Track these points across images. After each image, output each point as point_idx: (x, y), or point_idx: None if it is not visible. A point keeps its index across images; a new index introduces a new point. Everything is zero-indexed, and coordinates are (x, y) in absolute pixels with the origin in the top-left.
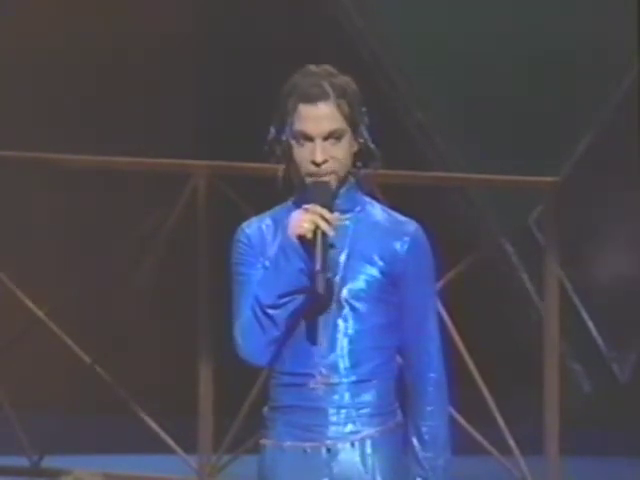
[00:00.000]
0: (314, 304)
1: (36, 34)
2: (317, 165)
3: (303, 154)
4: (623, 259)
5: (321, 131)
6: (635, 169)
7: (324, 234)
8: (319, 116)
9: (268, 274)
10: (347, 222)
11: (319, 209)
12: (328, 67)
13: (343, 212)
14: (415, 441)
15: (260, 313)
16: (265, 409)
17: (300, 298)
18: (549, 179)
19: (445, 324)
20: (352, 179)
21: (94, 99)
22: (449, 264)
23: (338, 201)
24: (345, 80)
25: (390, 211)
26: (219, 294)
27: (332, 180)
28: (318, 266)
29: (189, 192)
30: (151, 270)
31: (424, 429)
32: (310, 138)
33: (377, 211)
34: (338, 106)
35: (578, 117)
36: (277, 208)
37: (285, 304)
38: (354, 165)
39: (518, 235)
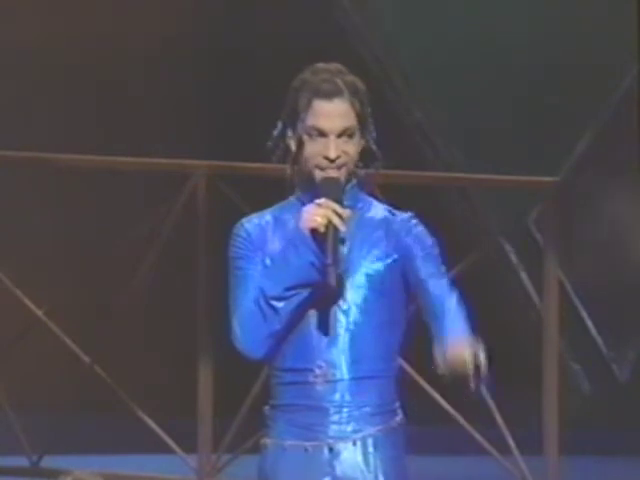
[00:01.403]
0: (323, 298)
1: (35, 34)
2: (331, 161)
3: (316, 149)
4: (622, 259)
5: (335, 127)
6: (635, 169)
7: (336, 229)
8: (334, 112)
9: (276, 266)
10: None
11: (332, 204)
12: (337, 65)
13: (346, 208)
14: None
15: (264, 304)
16: (266, 408)
17: (305, 292)
18: (549, 179)
19: None
20: (354, 179)
21: (94, 99)
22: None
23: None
24: (354, 79)
25: (390, 209)
26: (219, 294)
27: (342, 175)
28: (330, 260)
29: (189, 192)
30: (151, 270)
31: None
32: (324, 134)
33: (378, 209)
34: (352, 103)
35: (578, 117)
36: (277, 205)
37: (291, 297)
38: (356, 165)
39: (517, 235)
